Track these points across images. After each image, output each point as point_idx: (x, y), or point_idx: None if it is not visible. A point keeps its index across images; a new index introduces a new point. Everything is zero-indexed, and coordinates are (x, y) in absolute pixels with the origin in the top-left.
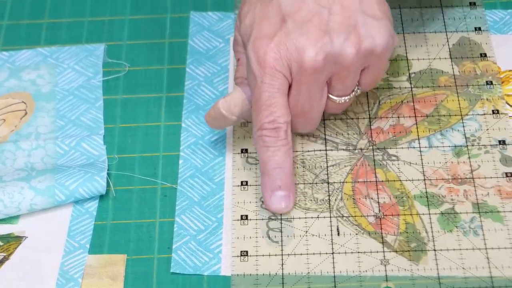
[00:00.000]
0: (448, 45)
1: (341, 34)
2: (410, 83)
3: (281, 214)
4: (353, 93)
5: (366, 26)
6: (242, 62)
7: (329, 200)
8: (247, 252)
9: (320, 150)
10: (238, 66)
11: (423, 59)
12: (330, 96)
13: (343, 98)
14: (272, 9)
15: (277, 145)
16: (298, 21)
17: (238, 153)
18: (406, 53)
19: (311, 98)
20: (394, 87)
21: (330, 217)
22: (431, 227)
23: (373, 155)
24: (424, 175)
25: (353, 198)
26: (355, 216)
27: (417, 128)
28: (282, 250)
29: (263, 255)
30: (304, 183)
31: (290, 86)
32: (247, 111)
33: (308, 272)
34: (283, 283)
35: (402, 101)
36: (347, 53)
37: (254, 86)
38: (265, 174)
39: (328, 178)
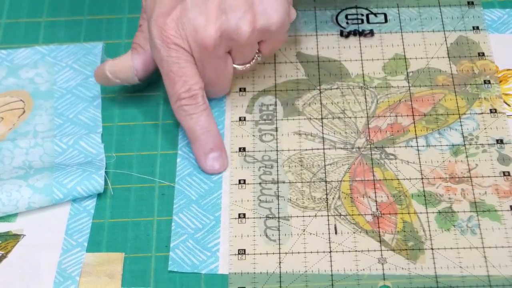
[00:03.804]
0: (446, 44)
1: (237, 12)
2: (408, 82)
3: (278, 213)
4: (254, 60)
5: (262, 4)
6: (144, 29)
7: (327, 198)
8: (244, 250)
9: (317, 149)
10: (138, 32)
11: (421, 58)
12: (233, 65)
13: (244, 66)
14: None
15: (198, 110)
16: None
17: (236, 152)
18: (404, 52)
19: (216, 70)
20: (392, 86)
21: (328, 215)
22: (429, 226)
23: (371, 154)
24: (421, 174)
25: (350, 197)
26: (352, 214)
27: (414, 127)
28: (279, 248)
29: (260, 254)
30: (301, 182)
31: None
32: (132, 78)
33: (306, 271)
34: (280, 281)
35: (400, 100)
36: (242, 31)
37: (161, 60)
38: (195, 140)
39: (325, 177)
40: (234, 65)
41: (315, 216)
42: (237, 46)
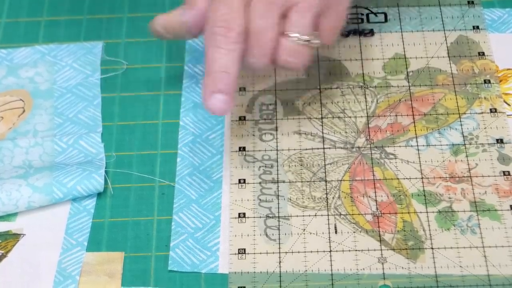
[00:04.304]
0: (446, 43)
1: None
2: (408, 82)
3: (278, 213)
4: (310, 41)
5: None
6: None
7: (327, 198)
8: (244, 250)
9: (318, 148)
10: None
11: (421, 57)
12: (288, 33)
13: (300, 37)
14: None
15: (227, 47)
16: None
17: (236, 151)
18: (404, 51)
19: (266, 17)
20: (392, 86)
21: (328, 215)
22: (429, 226)
23: (371, 153)
24: (421, 174)
25: (350, 197)
26: (352, 214)
27: (415, 126)
28: (279, 248)
29: (260, 253)
30: (302, 181)
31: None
32: (183, 34)
33: (306, 270)
34: (280, 281)
35: (400, 100)
36: None
37: None
38: (209, 75)
39: (325, 176)
40: (289, 33)
41: (315, 215)
42: (298, 2)
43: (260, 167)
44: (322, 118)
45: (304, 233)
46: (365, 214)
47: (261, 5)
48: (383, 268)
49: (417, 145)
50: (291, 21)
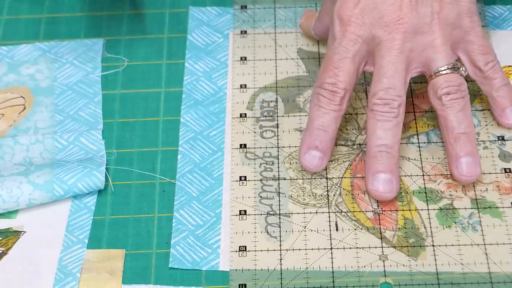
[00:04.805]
0: None
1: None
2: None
3: (279, 210)
4: (457, 71)
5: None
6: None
7: (328, 195)
8: (245, 247)
9: None
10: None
11: None
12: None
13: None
14: None
15: (328, 108)
16: None
17: (237, 148)
18: None
19: (394, 69)
20: None
21: (329, 212)
22: (430, 223)
23: None
24: (422, 171)
25: (351, 194)
26: (353, 211)
27: (416, 123)
28: (280, 245)
29: (261, 250)
30: (302, 178)
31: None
32: (312, 35)
33: (307, 268)
34: (281, 278)
35: None
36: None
37: (331, 45)
38: (308, 130)
39: (326, 174)
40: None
41: (316, 213)
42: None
43: (261, 164)
44: None
45: (305, 231)
46: (366, 211)
47: (391, 54)
48: (384, 266)
49: (418, 142)
50: (429, 59)
